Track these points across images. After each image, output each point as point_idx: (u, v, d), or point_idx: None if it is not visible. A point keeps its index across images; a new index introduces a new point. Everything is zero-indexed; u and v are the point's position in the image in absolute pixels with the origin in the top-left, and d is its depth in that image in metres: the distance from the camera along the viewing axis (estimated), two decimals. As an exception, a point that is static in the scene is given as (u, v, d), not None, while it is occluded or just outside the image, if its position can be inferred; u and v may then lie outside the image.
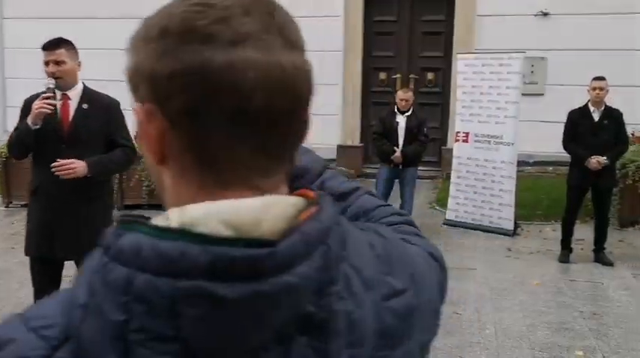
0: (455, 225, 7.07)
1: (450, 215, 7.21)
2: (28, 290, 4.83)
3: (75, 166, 3.02)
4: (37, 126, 2.99)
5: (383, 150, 6.39)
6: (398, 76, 9.99)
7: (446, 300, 0.82)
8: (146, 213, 0.58)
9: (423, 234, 0.87)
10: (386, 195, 6.22)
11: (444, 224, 7.17)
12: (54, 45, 3.11)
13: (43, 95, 3.00)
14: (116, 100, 3.31)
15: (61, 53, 3.08)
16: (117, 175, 7.98)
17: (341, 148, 9.99)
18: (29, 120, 3.00)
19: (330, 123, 10.22)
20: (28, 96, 3.22)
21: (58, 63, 3.07)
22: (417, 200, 8.60)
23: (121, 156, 3.25)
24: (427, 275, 0.76)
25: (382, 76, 10.10)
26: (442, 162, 9.63)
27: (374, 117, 8.67)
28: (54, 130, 3.08)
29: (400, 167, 6.29)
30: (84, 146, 3.12)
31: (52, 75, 3.06)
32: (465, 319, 4.50)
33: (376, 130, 6.57)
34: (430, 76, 9.88)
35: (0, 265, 5.56)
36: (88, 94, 3.22)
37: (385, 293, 0.67)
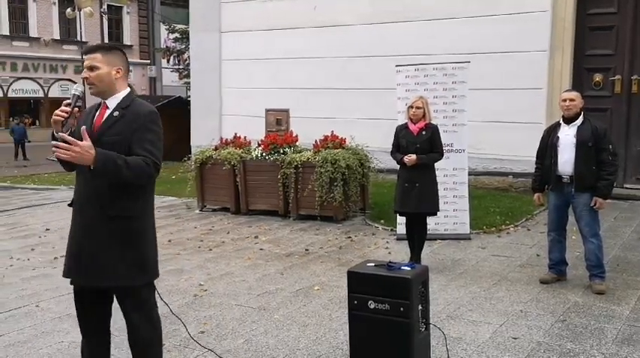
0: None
1: (661, 253, 5.79)
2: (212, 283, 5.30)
3: (78, 149, 2.61)
4: (61, 134, 2.70)
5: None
6: (617, 77, 8.50)
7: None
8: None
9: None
10: (556, 221, 5.12)
11: (652, 264, 5.77)
12: (90, 50, 2.96)
13: (64, 102, 2.84)
14: (152, 111, 2.94)
15: (95, 58, 2.87)
16: (292, 186, 8.01)
17: (545, 161, 8.82)
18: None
19: (532, 133, 9.09)
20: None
21: (91, 68, 2.87)
22: (628, 227, 7.16)
23: (139, 163, 2.77)
24: None
25: (597, 77, 8.69)
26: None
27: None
28: (79, 139, 2.70)
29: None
30: None
31: (84, 80, 2.91)
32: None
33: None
34: (658, 77, 8.22)
35: (184, 263, 5.80)
36: (125, 103, 2.91)
37: None
